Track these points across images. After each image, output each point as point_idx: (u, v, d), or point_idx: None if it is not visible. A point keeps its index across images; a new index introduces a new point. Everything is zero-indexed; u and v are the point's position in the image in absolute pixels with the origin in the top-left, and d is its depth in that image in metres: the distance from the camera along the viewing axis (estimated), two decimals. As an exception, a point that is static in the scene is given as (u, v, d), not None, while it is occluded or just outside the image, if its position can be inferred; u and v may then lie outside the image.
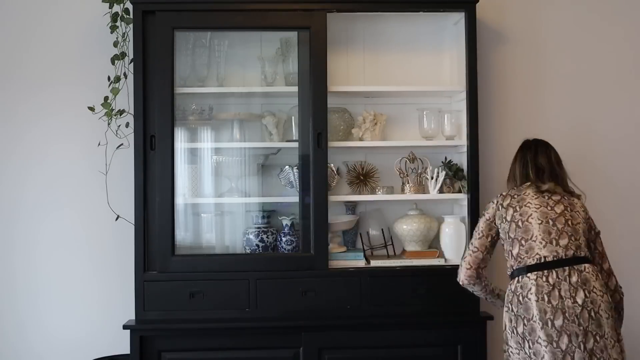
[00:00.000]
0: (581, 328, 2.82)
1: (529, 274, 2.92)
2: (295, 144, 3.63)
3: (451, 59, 3.82)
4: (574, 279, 2.87)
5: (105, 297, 3.83)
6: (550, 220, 2.97)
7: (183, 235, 3.64)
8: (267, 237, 3.65)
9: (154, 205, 3.47)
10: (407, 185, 3.67)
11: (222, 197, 3.74)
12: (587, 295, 2.85)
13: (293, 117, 3.69)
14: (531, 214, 3.00)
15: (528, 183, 3.13)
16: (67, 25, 3.84)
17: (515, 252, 3.00)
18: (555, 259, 2.91)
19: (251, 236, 3.65)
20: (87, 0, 3.80)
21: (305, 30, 3.52)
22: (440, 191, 3.65)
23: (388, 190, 3.69)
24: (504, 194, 3.15)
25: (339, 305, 3.50)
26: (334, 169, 3.70)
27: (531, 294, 2.88)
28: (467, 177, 3.59)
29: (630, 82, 3.99)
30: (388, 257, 3.68)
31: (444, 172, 3.65)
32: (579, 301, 2.83)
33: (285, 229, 3.66)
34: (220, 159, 3.72)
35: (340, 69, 3.79)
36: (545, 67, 3.96)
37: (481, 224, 3.16)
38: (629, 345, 3.30)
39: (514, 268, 3.00)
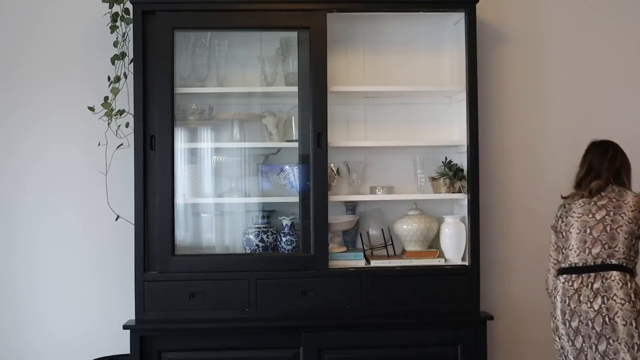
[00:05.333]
0: (594, 331, 3.01)
1: (560, 277, 3.18)
2: (295, 144, 3.63)
3: (451, 59, 3.82)
4: (597, 285, 3.05)
5: (105, 297, 3.83)
6: (588, 229, 3.15)
7: (183, 235, 3.64)
8: (267, 237, 3.65)
9: (154, 205, 3.47)
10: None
11: (222, 197, 3.74)
12: (605, 302, 3.01)
13: (293, 117, 3.69)
14: (573, 224, 3.19)
15: (580, 189, 3.25)
16: (67, 25, 3.84)
17: (558, 258, 3.25)
18: (584, 265, 3.10)
19: (251, 236, 3.65)
20: (87, 0, 3.79)
21: (305, 30, 3.52)
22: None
23: (388, 190, 3.69)
24: (561, 203, 3.30)
25: (339, 305, 3.50)
26: (334, 169, 3.70)
27: (558, 295, 3.16)
28: (467, 177, 3.59)
29: (630, 82, 3.98)
30: (388, 257, 3.68)
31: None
32: (595, 307, 3.02)
33: (285, 229, 3.66)
34: (220, 159, 3.72)
35: (340, 69, 3.79)
36: (545, 67, 3.95)
37: (552, 236, 3.33)
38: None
39: (556, 270, 3.23)
